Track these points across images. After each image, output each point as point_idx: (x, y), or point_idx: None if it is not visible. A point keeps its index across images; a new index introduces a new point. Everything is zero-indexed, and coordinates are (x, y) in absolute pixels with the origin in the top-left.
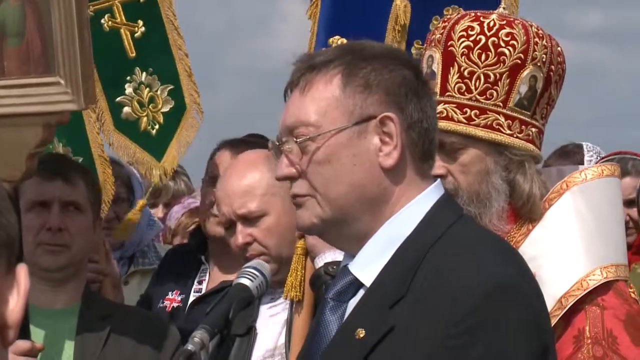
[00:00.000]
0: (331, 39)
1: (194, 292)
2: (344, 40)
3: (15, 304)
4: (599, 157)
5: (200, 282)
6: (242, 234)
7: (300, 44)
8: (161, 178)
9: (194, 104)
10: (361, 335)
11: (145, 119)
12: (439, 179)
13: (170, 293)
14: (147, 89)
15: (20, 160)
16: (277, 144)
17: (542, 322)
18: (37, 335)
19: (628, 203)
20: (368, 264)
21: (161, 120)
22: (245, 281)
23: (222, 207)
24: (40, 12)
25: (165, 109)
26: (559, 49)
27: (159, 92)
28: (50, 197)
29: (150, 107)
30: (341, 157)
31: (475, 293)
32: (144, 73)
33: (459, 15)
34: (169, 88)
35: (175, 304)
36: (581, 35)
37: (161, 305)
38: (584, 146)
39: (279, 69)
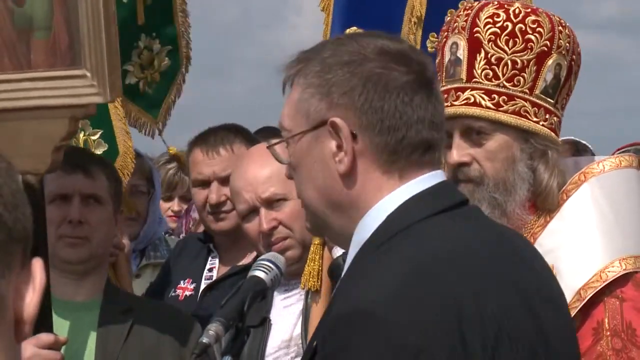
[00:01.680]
0: (348, 31)
1: (204, 279)
2: (361, 32)
3: (31, 299)
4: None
5: (210, 270)
6: (266, 219)
7: (315, 36)
8: (160, 133)
9: (186, 59)
10: (313, 345)
11: (143, 81)
12: (427, 174)
13: (182, 282)
14: (149, 52)
15: (46, 153)
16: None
17: (408, 354)
18: (59, 328)
19: None
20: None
21: (158, 79)
22: (260, 274)
23: (243, 195)
24: (67, 5)
25: (163, 68)
26: (577, 40)
27: (159, 54)
28: (71, 190)
29: (149, 69)
30: (306, 163)
31: (336, 317)
32: (148, 38)
33: (481, 3)
34: (168, 49)
35: (188, 292)
36: (596, 26)
37: (173, 294)
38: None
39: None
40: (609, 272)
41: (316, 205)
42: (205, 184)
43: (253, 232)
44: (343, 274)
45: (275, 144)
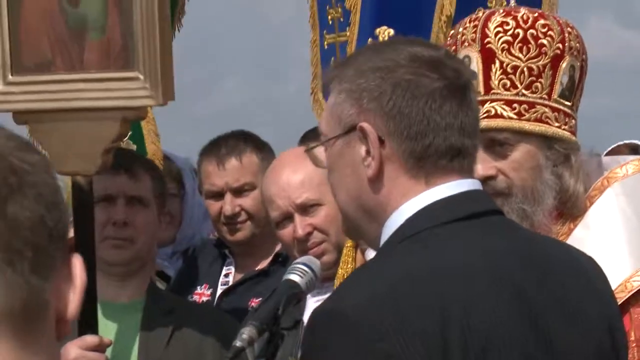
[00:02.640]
0: (378, 30)
1: (221, 284)
2: (391, 31)
3: (72, 298)
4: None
5: (226, 275)
6: (301, 225)
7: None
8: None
9: None
10: None
11: None
12: (453, 182)
13: (199, 287)
14: None
15: (96, 154)
16: None
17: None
18: (103, 329)
19: None
20: None
21: None
22: (295, 277)
23: (276, 202)
24: (122, 7)
25: None
26: (583, 39)
27: None
28: (116, 191)
29: None
30: (339, 167)
31: (313, 316)
32: None
33: (487, 13)
34: None
35: (204, 298)
36: None
37: (190, 299)
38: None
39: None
40: (634, 281)
41: (349, 209)
42: (218, 195)
43: (287, 238)
44: None
45: (313, 147)
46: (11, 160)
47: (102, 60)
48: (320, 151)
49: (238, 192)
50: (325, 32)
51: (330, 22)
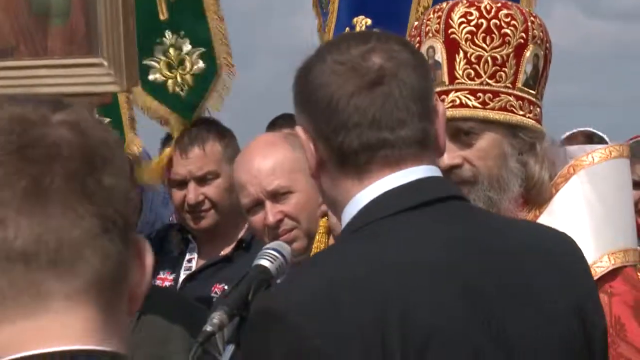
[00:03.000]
0: (355, 19)
1: (184, 270)
2: (368, 20)
3: (140, 278)
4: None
5: (189, 261)
6: (272, 212)
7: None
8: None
9: (227, 66)
10: None
11: (172, 80)
12: (402, 171)
13: (161, 272)
14: (177, 51)
15: None
16: None
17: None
18: None
19: None
20: None
21: (191, 83)
22: (265, 262)
23: (248, 188)
24: None
25: (197, 71)
26: (546, 28)
27: (189, 55)
28: None
29: (179, 69)
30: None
31: (252, 313)
32: (175, 35)
33: (450, 4)
34: (201, 51)
35: (167, 283)
36: (618, 16)
37: (153, 284)
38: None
39: (309, 48)
40: (597, 267)
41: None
42: (181, 184)
43: (258, 224)
44: None
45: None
46: (103, 134)
47: (65, 47)
48: None
49: (201, 180)
50: None
51: None
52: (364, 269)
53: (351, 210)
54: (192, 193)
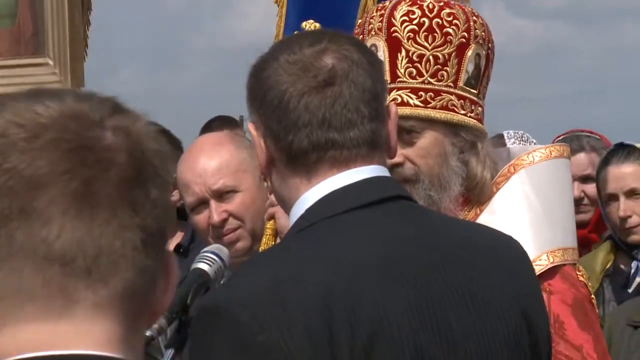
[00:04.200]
0: (304, 23)
1: None
2: (317, 25)
3: (164, 293)
4: (521, 143)
5: None
6: (217, 211)
7: (267, 25)
8: None
9: None
10: None
11: None
12: (349, 170)
13: None
14: None
15: None
16: None
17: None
18: None
19: (583, 179)
20: None
21: None
22: (203, 266)
23: (192, 187)
24: None
25: None
26: (489, 28)
27: None
28: None
29: None
30: None
31: (197, 311)
32: None
33: (393, 3)
34: None
35: None
36: (544, 15)
37: None
38: (505, 134)
39: (242, 50)
40: (536, 265)
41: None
42: None
43: (202, 224)
44: None
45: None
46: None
47: (12, 47)
48: None
49: None
50: None
51: None
52: (307, 267)
53: (298, 209)
54: None
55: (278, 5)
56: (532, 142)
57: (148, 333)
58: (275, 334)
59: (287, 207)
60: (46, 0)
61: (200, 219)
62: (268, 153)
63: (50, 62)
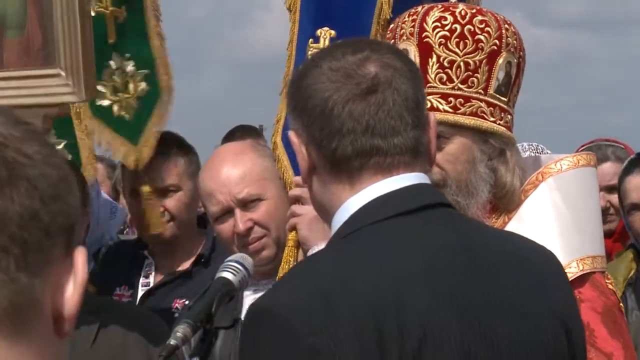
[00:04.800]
0: (319, 31)
1: (142, 286)
2: (332, 32)
3: (71, 294)
4: (536, 154)
5: (146, 276)
6: (242, 220)
7: (283, 33)
8: (138, 162)
9: (167, 89)
10: None
11: (117, 104)
12: (393, 177)
13: (118, 289)
14: (123, 74)
15: None
16: None
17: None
18: None
19: (609, 189)
20: None
21: (135, 105)
22: (228, 275)
23: (216, 197)
24: (41, 3)
25: (141, 94)
26: (520, 36)
27: (134, 77)
28: None
29: (125, 92)
30: None
31: (247, 315)
32: (121, 58)
33: (426, 8)
34: (144, 73)
35: (124, 299)
36: (563, 24)
37: None
38: (520, 147)
39: (263, 59)
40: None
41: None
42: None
43: (227, 233)
44: None
45: None
46: (4, 152)
47: (21, 58)
48: None
49: (162, 193)
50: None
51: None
52: (356, 271)
53: (342, 215)
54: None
55: (291, 11)
56: (547, 152)
57: (172, 342)
58: (325, 337)
59: (327, 214)
60: (56, 11)
61: (224, 228)
62: (310, 160)
63: (62, 73)
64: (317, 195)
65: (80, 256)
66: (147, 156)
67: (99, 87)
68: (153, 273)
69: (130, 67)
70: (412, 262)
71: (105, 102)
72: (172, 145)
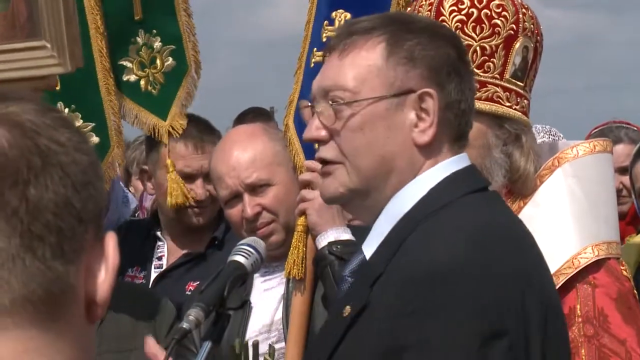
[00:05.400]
0: (334, 13)
1: (154, 268)
2: (348, 15)
3: (103, 280)
4: (550, 137)
5: (159, 258)
6: (250, 205)
7: (296, 14)
8: (170, 135)
9: (195, 63)
10: (346, 314)
11: (145, 79)
12: (462, 154)
13: (130, 270)
14: (149, 50)
15: None
16: (310, 104)
17: (493, 308)
18: None
19: (622, 170)
20: (372, 241)
21: (162, 81)
22: (240, 258)
23: (225, 181)
24: None
25: (167, 69)
26: (538, 20)
27: (160, 53)
28: None
29: (151, 68)
30: (376, 127)
31: (416, 277)
32: (147, 34)
33: None
34: (171, 49)
35: (137, 281)
36: (577, 5)
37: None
38: (533, 128)
39: (273, 40)
40: (581, 258)
41: (372, 171)
42: (190, 177)
43: (236, 217)
44: (379, 243)
45: (338, 105)
46: (37, 140)
47: (7, 32)
48: (325, 107)
49: (208, 177)
50: (315, 49)
51: (325, 40)
52: (490, 233)
53: (414, 188)
54: (201, 189)
55: None
56: (560, 136)
57: (185, 325)
58: (498, 288)
59: (402, 180)
60: None
61: (233, 212)
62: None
63: (48, 45)
64: (429, 162)
65: (111, 241)
66: (181, 128)
67: (125, 63)
68: (166, 254)
69: (157, 43)
70: (519, 235)
71: (133, 78)
72: (212, 131)
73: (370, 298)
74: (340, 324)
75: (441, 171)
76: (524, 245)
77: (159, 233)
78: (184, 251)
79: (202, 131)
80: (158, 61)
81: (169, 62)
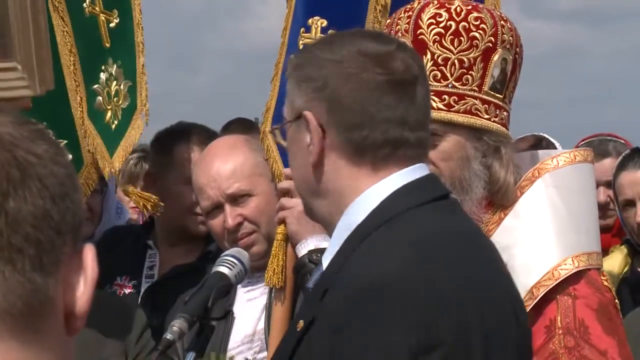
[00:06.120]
0: (311, 20)
1: (145, 277)
2: (324, 22)
3: (82, 292)
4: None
5: (151, 268)
6: (231, 215)
7: (282, 25)
8: (111, 174)
9: (143, 105)
10: (299, 328)
11: (110, 112)
12: (419, 164)
13: (118, 278)
14: (115, 81)
15: None
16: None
17: (422, 323)
18: None
19: (609, 184)
20: (328, 253)
21: (119, 117)
22: (224, 269)
23: (207, 191)
24: None
25: (124, 105)
26: (518, 32)
27: (121, 87)
28: None
29: (114, 100)
30: (291, 150)
31: (352, 292)
32: (115, 65)
33: (421, 4)
34: (129, 84)
35: (126, 290)
36: (559, 16)
37: (109, 290)
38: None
39: (259, 50)
40: (561, 269)
41: (300, 190)
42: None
43: (218, 228)
44: (333, 255)
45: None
46: (15, 152)
47: None
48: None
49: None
50: (292, 56)
51: (301, 47)
52: (431, 247)
53: (366, 200)
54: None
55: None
56: (554, 144)
57: (169, 336)
58: (434, 303)
59: (335, 199)
60: (10, 3)
61: (215, 223)
62: (324, 143)
63: (19, 67)
64: (328, 180)
65: (89, 253)
66: (117, 169)
67: (97, 88)
68: (157, 264)
69: (120, 75)
70: (464, 248)
71: (102, 108)
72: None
73: (318, 312)
74: (293, 338)
75: (395, 182)
76: (475, 256)
77: (150, 242)
78: (176, 262)
79: (205, 139)
80: (120, 95)
81: (125, 99)
